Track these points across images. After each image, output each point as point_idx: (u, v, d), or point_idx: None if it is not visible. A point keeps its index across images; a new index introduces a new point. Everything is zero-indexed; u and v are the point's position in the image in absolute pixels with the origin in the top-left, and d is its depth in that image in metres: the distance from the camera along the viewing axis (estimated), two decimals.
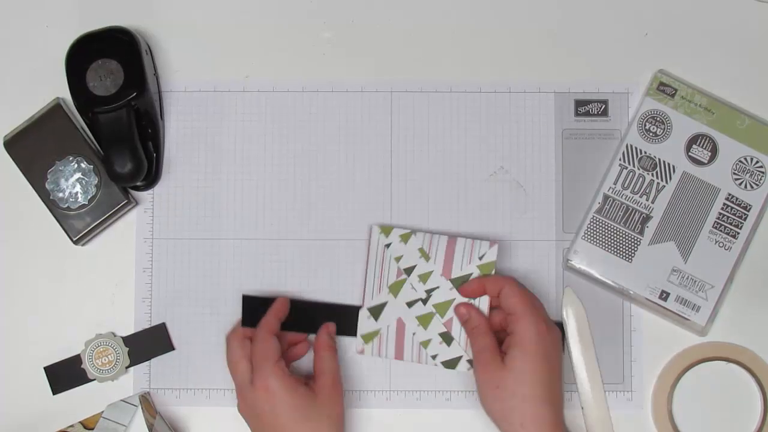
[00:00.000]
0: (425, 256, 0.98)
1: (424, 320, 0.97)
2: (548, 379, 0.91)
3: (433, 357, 0.97)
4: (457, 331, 0.97)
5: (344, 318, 0.99)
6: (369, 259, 0.99)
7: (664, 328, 0.99)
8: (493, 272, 0.97)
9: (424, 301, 0.97)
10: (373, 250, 0.98)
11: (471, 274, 0.97)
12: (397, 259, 0.98)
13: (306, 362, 0.99)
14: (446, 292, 0.97)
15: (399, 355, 0.98)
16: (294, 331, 0.98)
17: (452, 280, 0.97)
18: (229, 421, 0.97)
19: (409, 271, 0.98)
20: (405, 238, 0.98)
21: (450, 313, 0.97)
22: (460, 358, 0.97)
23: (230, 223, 1.01)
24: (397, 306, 0.98)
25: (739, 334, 0.99)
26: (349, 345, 0.99)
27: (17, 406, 0.99)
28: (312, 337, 0.98)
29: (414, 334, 0.97)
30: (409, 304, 0.98)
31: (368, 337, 0.98)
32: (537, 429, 0.90)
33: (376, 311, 0.98)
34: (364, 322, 0.98)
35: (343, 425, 0.94)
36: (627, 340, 0.99)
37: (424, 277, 0.97)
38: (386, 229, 0.99)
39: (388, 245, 0.98)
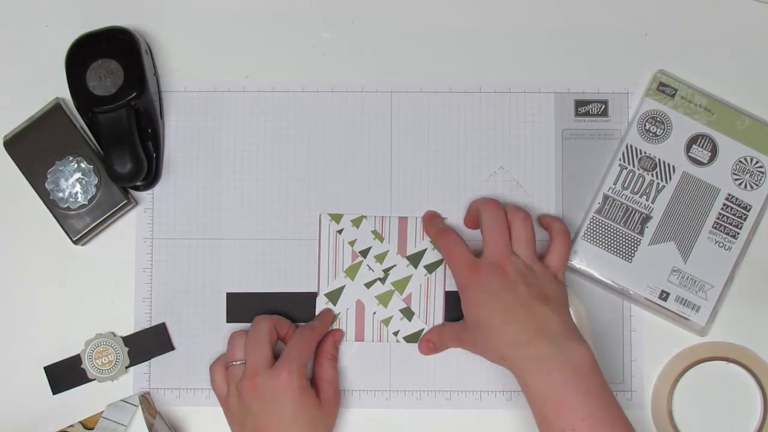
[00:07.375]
0: (379, 237, 0.99)
1: (384, 299, 0.99)
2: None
3: (395, 333, 0.99)
4: (417, 305, 0.99)
5: (300, 305, 0.99)
6: (321, 247, 0.99)
7: (664, 328, 0.99)
8: None
9: (383, 281, 0.99)
10: (324, 238, 0.99)
11: (425, 249, 0.99)
12: (351, 243, 0.99)
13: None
14: (403, 269, 0.99)
15: (359, 336, 0.99)
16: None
17: (408, 257, 0.99)
18: None
19: (364, 253, 0.99)
20: (356, 223, 0.99)
21: (409, 289, 0.99)
22: (421, 331, 0.99)
23: (230, 223, 1.01)
24: (356, 288, 0.99)
25: (739, 334, 0.99)
26: (348, 347, 0.99)
27: (17, 406, 0.99)
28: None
29: (374, 313, 0.99)
30: (368, 285, 0.99)
31: None
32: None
33: (333, 296, 0.99)
34: (323, 309, 0.99)
35: None
36: (627, 340, 0.99)
37: (380, 257, 0.99)
38: (336, 216, 0.99)
39: (339, 231, 0.99)
